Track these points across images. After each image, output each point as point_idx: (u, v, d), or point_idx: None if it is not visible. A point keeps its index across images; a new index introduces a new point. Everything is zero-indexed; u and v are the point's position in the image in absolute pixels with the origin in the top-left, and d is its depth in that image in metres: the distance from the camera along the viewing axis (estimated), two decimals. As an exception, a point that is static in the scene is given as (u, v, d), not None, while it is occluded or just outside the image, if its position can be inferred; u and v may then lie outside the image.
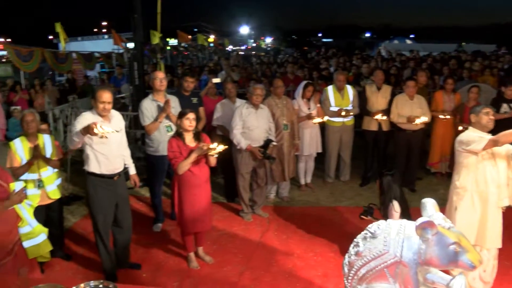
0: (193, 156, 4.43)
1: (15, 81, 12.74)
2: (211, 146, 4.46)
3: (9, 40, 26.03)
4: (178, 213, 4.72)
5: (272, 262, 4.91)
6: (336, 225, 5.79)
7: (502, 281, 4.34)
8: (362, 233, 2.36)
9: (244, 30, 66.72)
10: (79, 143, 4.17)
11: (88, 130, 3.93)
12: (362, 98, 7.15)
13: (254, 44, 68.01)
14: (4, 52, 12.92)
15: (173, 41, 31.48)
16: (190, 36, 26.17)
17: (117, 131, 4.33)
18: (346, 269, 2.41)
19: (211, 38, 33.82)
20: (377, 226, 2.30)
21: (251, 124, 5.76)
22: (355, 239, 2.39)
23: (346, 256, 2.42)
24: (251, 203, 6.19)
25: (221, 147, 4.50)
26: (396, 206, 4.40)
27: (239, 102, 6.41)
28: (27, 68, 12.53)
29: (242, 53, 37.46)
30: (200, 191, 4.65)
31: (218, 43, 34.22)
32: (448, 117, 6.90)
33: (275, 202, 6.73)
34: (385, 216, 4.48)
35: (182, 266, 4.88)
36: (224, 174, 6.97)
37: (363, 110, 7.09)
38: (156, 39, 10.99)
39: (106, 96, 4.20)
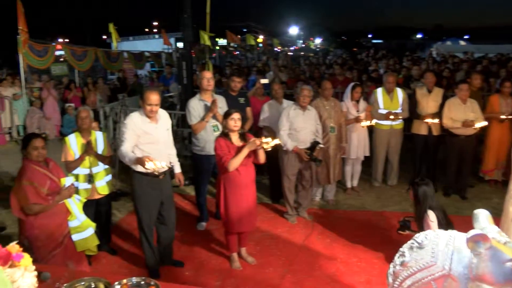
0: (245, 151, 4.40)
1: (70, 80, 13.24)
2: (265, 140, 4.42)
3: (67, 40, 26.97)
4: (223, 212, 4.70)
5: (314, 266, 4.84)
6: (381, 230, 5.64)
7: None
8: (409, 242, 2.26)
9: (293, 30, 66.53)
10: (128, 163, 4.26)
11: (141, 163, 4.05)
12: (412, 101, 6.94)
13: (303, 45, 67.75)
14: (62, 52, 13.41)
15: (222, 41, 31.76)
16: (239, 36, 26.35)
17: (167, 129, 4.44)
18: (390, 279, 2.32)
19: (260, 38, 33.89)
20: (424, 236, 2.19)
21: (298, 125, 5.71)
22: (401, 249, 2.29)
23: (391, 266, 2.33)
24: (296, 205, 6.12)
25: (276, 141, 4.46)
26: (431, 215, 4.24)
27: (286, 103, 6.37)
28: (81, 67, 13.00)
29: (291, 53, 37.37)
30: (246, 191, 4.63)
31: (267, 44, 34.24)
32: (510, 116, 6.60)
33: (320, 205, 6.64)
34: (421, 227, 4.35)
35: (225, 266, 4.88)
36: (270, 175, 6.94)
37: (412, 113, 6.89)
38: (205, 39, 11.11)
39: (153, 98, 4.25)
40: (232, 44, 28.49)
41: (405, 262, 2.19)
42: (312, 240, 5.46)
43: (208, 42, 11.23)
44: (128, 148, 4.28)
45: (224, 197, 4.65)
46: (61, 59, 15.12)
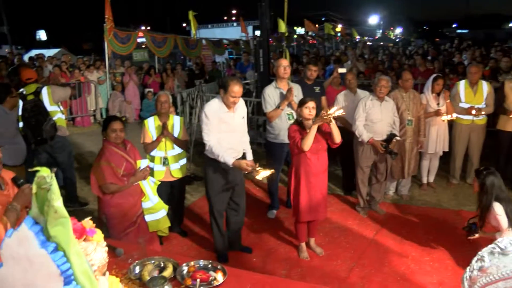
0: (315, 127, 4.33)
1: (150, 66, 13.71)
2: (330, 111, 4.27)
3: (148, 28, 27.98)
4: (293, 200, 4.70)
5: (384, 261, 4.71)
6: (457, 230, 5.35)
7: None
8: (489, 246, 2.09)
9: (373, 20, 64.66)
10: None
11: (240, 168, 4.18)
12: (499, 94, 6.50)
13: (382, 35, 65.74)
14: (143, 39, 13.94)
15: (300, 30, 31.57)
16: (317, 25, 26.06)
17: (242, 117, 4.50)
18: (466, 284, 2.17)
19: (339, 27, 33.31)
20: (509, 242, 2.03)
21: (375, 116, 5.55)
22: (479, 252, 2.13)
23: (468, 270, 2.17)
24: (369, 198, 5.99)
25: (340, 111, 4.30)
26: (498, 208, 3.98)
27: (361, 93, 6.21)
28: (161, 54, 13.42)
29: (370, 43, 36.41)
30: (317, 180, 4.57)
31: (346, 33, 33.58)
32: None
33: (393, 199, 6.44)
34: (482, 221, 4.12)
35: (292, 255, 4.87)
36: (343, 166, 6.83)
37: (499, 108, 6.46)
38: (282, 27, 11.06)
39: (238, 90, 4.23)
40: (310, 33, 28.24)
41: (484, 268, 2.03)
42: (383, 235, 5.31)
43: (285, 31, 11.19)
44: (215, 142, 4.30)
45: (295, 184, 4.64)
46: (142, 46, 15.72)
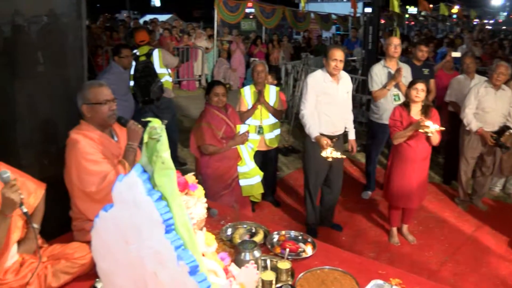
0: (410, 129, 4.17)
1: (256, 36, 13.84)
2: (426, 123, 4.07)
3: (259, -1, 28.15)
4: (385, 185, 4.59)
5: (481, 261, 4.39)
6: None
7: None
8: None
9: (497, 1, 59.50)
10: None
11: (319, 143, 4.10)
12: None
13: (507, 18, 60.35)
14: (252, 10, 14.07)
15: (412, 9, 30.01)
16: (431, 5, 24.57)
17: (347, 92, 4.41)
18: None
19: (455, 8, 31.15)
20: None
21: (487, 105, 5.14)
22: None
23: None
24: (470, 192, 5.62)
25: (435, 127, 4.07)
26: None
27: (478, 79, 5.78)
28: (268, 24, 13.47)
29: (490, 27, 33.72)
30: (414, 167, 4.36)
31: (463, 15, 31.35)
32: None
33: (499, 196, 5.99)
34: None
35: (382, 239, 4.75)
36: (446, 154, 6.45)
37: None
38: (394, 5, 10.58)
39: (338, 54, 4.18)
40: (422, 13, 26.74)
41: None
42: (483, 232, 4.96)
43: (397, 9, 10.69)
44: (309, 112, 4.29)
45: (390, 168, 4.50)
46: (251, 16, 15.87)
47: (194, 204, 1.72)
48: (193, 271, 1.43)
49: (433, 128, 4.06)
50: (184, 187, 1.74)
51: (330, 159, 4.04)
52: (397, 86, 5.25)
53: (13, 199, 2.17)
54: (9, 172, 2.24)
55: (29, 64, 3.87)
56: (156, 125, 1.48)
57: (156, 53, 6.03)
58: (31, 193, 2.63)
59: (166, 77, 6.16)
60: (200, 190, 1.83)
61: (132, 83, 5.79)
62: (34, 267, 2.40)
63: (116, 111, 2.90)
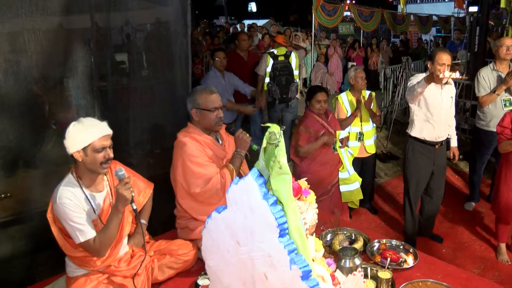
0: None
1: (354, 39, 13.65)
2: None
3: (354, 1, 27.78)
4: (494, 196, 4.29)
5: None
6: None
7: None
8: None
9: None
10: (420, 94, 4.07)
11: (436, 71, 3.89)
12: None
13: None
14: (348, 13, 13.90)
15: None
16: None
17: (451, 97, 4.22)
18: None
19: None
20: None
21: None
22: None
23: None
24: None
25: None
26: None
27: None
28: (367, 28, 13.25)
29: None
30: (528, 178, 4.07)
31: None
32: None
33: None
34: None
35: (488, 255, 4.46)
36: None
37: None
38: (504, 1, 9.91)
39: (446, 57, 4.01)
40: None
41: None
42: None
43: (508, 6, 10.00)
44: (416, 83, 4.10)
45: (500, 179, 4.19)
46: (348, 19, 15.68)
47: (306, 209, 1.75)
48: (306, 276, 1.46)
49: None
50: (297, 192, 1.77)
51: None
52: (508, 90, 4.91)
53: (125, 195, 2.33)
54: (124, 170, 2.41)
55: (140, 69, 4.16)
56: (275, 130, 1.53)
57: (293, 56, 6.40)
58: (140, 191, 2.83)
59: (297, 79, 6.51)
60: (312, 196, 1.85)
61: (267, 79, 6.20)
62: (142, 260, 2.57)
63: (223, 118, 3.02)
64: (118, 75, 4.14)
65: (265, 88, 6.22)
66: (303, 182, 1.85)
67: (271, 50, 6.31)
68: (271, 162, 1.51)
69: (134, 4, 3.98)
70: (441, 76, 3.76)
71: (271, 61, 6.16)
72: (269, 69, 6.16)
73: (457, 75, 3.67)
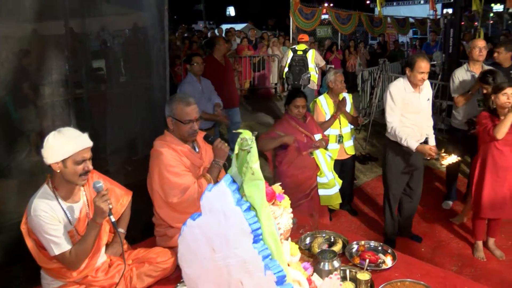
0: (507, 118, 3.91)
1: (332, 42, 13.73)
2: None
3: (332, 4, 28.03)
4: (474, 194, 4.33)
5: None
6: None
7: None
8: None
9: None
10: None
11: (424, 153, 4.04)
12: None
13: None
14: (326, 16, 14.02)
15: (497, 7, 28.34)
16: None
17: (427, 99, 4.29)
18: None
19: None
20: None
21: None
22: None
23: None
24: None
25: None
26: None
27: None
28: (344, 30, 13.38)
29: None
30: (506, 174, 4.13)
31: None
32: None
33: None
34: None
35: (465, 252, 4.53)
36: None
37: None
38: (476, 4, 10.11)
39: (426, 66, 4.06)
40: (510, 10, 25.18)
41: None
42: None
43: (479, 8, 10.21)
44: (398, 124, 4.19)
45: (478, 177, 4.27)
46: (326, 22, 15.79)
47: (280, 214, 1.75)
48: (280, 281, 1.46)
49: None
50: (271, 197, 1.78)
51: (445, 165, 4.01)
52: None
53: (102, 208, 2.31)
54: (102, 182, 2.39)
55: (117, 75, 4.12)
56: (247, 136, 1.53)
57: (310, 52, 7.58)
58: (118, 200, 2.81)
59: (313, 72, 7.60)
60: (286, 200, 1.85)
61: (286, 69, 7.53)
62: (121, 268, 2.54)
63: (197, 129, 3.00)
64: (94, 82, 4.10)
65: (284, 76, 7.64)
66: (277, 187, 1.85)
67: (293, 46, 7.79)
68: (243, 168, 1.51)
69: (110, 10, 3.95)
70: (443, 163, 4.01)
71: (291, 55, 7.51)
72: (288, 61, 7.49)
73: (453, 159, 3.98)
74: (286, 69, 7.57)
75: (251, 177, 1.50)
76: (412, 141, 4.06)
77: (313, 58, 7.59)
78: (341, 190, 4.75)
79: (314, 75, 7.69)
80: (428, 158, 4.07)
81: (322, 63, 8.15)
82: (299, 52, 7.52)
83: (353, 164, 5.42)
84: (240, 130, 1.57)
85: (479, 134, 4.24)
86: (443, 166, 4.01)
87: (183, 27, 17.37)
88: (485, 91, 4.67)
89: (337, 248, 2.86)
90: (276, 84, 12.33)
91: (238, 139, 1.55)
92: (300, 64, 7.42)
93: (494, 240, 4.52)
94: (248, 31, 15.28)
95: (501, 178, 4.13)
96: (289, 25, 11.78)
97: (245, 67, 10.96)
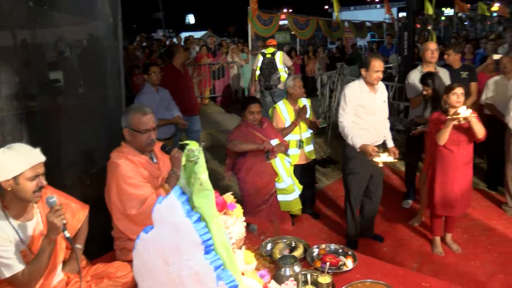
0: (450, 124, 4.03)
1: (291, 47, 13.87)
2: (459, 110, 3.96)
3: (290, 10, 28.30)
4: (428, 193, 4.47)
5: (538, 274, 4.16)
6: None
7: None
8: None
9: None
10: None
11: (365, 153, 4.11)
12: None
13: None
14: (285, 21, 14.15)
15: (448, 11, 29.30)
16: (468, 5, 23.95)
17: (383, 101, 4.37)
18: None
19: (495, 6, 30.06)
20: None
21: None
22: None
23: None
24: (519, 199, 5.40)
25: (467, 112, 3.93)
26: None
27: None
28: (303, 36, 13.53)
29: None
30: (457, 173, 4.25)
31: (507, 12, 30.09)
32: None
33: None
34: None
35: (425, 249, 4.63)
36: (489, 159, 6.24)
37: None
38: (429, 8, 10.42)
39: (379, 65, 4.16)
40: (459, 14, 26.07)
41: None
42: (538, 243, 4.72)
43: (431, 12, 10.52)
44: (349, 124, 4.25)
45: (431, 176, 4.39)
46: (284, 28, 15.93)
47: (233, 223, 1.74)
48: (233, 290, 1.45)
49: (464, 113, 3.94)
50: (222, 207, 1.77)
51: (381, 165, 4.04)
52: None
53: (56, 223, 2.24)
54: (55, 197, 2.32)
55: (70, 86, 4.02)
56: (194, 147, 1.52)
57: (278, 54, 8.08)
58: (74, 215, 2.72)
59: (282, 72, 8.05)
60: (238, 209, 1.85)
61: (258, 72, 8.09)
62: (78, 286, 2.47)
63: (155, 139, 2.97)
64: (47, 94, 3.97)
65: (256, 78, 8.21)
66: (228, 197, 1.84)
67: (262, 51, 8.24)
68: (191, 179, 1.50)
69: (64, 20, 3.85)
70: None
71: (261, 58, 8.06)
72: (259, 64, 8.06)
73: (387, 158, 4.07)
74: (257, 72, 8.13)
75: (199, 187, 1.48)
76: (357, 140, 4.15)
77: (281, 59, 8.05)
78: (302, 194, 4.77)
79: (283, 75, 8.07)
80: (371, 158, 4.12)
81: (290, 63, 8.53)
82: (268, 55, 8.03)
83: (314, 168, 5.46)
84: (186, 142, 1.56)
85: (429, 134, 4.35)
86: (380, 165, 4.06)
87: (142, 36, 17.20)
88: (425, 93, 4.83)
89: (298, 253, 2.85)
90: (236, 90, 12.34)
91: (185, 151, 1.54)
92: (269, 66, 7.98)
93: (451, 235, 4.64)
94: (208, 39, 15.25)
95: (451, 177, 4.25)
96: (248, 32, 11.81)
97: (204, 75, 11.00)
